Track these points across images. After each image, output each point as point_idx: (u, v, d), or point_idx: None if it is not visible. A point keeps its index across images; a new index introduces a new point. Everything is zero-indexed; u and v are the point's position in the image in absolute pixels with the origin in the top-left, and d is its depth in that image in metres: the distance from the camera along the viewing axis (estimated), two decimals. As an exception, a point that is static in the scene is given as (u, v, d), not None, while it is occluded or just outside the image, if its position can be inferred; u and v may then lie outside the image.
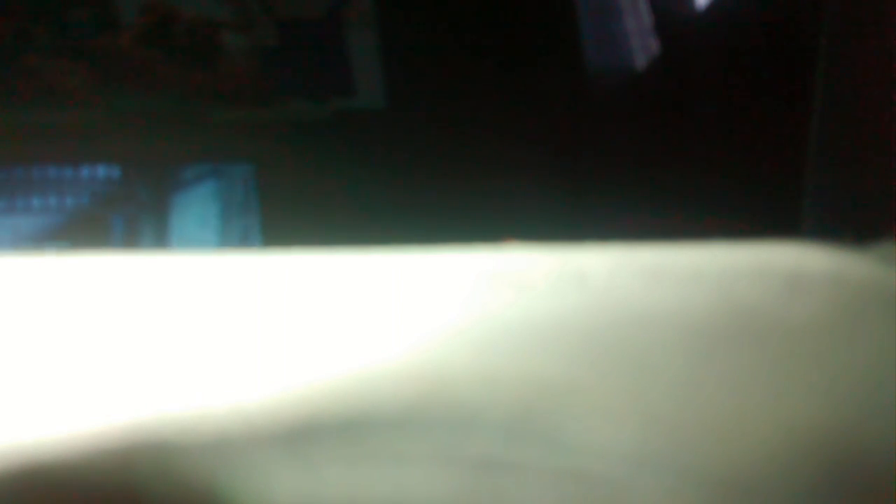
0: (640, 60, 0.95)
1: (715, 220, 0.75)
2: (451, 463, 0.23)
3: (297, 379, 0.24)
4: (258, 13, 0.96)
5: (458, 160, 0.91)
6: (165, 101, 0.93)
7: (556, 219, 0.89)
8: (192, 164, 0.93)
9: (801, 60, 0.71)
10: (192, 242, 0.90)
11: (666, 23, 0.94)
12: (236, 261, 0.27)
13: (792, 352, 0.25)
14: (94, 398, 0.24)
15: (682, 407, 0.24)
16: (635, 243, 0.27)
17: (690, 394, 0.24)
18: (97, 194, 0.91)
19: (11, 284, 0.26)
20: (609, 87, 0.96)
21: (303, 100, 0.96)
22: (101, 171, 0.91)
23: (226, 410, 0.23)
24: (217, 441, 0.23)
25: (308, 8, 0.98)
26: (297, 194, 0.91)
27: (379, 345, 0.25)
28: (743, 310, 0.26)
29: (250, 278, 0.26)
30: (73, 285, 0.26)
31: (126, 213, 0.91)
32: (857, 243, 0.28)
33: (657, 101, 0.93)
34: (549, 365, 0.24)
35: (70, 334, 0.25)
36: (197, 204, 0.92)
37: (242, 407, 0.24)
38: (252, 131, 0.94)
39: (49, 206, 0.90)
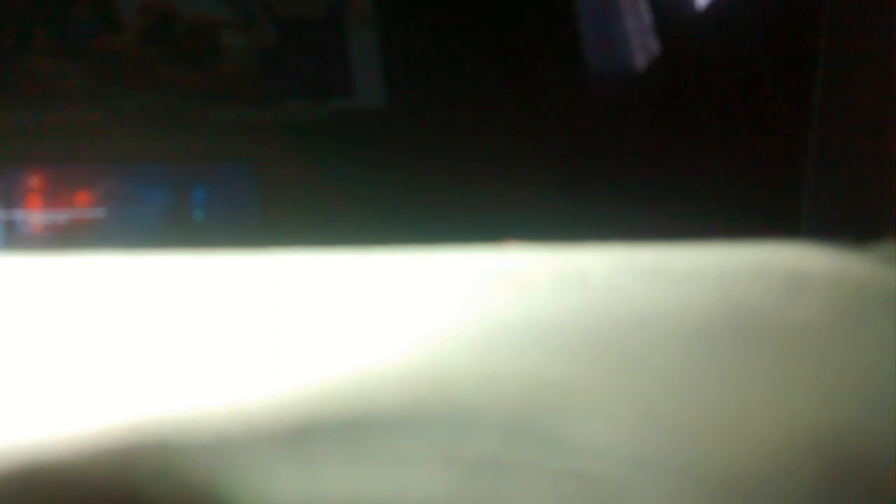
0: (640, 60, 0.95)
1: (715, 220, 0.75)
2: (451, 463, 0.23)
3: (297, 379, 0.24)
4: (258, 13, 0.96)
5: (458, 160, 0.91)
6: (165, 101, 0.93)
7: (556, 219, 0.89)
8: (193, 164, 0.93)
9: (801, 60, 0.71)
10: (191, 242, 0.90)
11: (666, 23, 0.94)
12: (236, 261, 0.27)
13: (792, 352, 0.25)
14: (94, 398, 0.24)
15: (682, 407, 0.24)
16: (635, 243, 0.27)
17: (690, 394, 0.24)
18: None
19: (11, 284, 0.26)
20: (609, 87, 0.96)
21: (303, 100, 0.96)
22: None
23: (226, 410, 0.23)
24: (217, 441, 0.23)
25: (308, 8, 0.98)
26: (297, 194, 0.91)
27: (379, 345, 0.25)
28: (743, 310, 0.26)
29: (250, 278, 0.26)
30: (73, 285, 0.26)
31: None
32: (857, 243, 0.28)
33: (657, 101, 0.93)
34: (549, 365, 0.24)
35: (70, 334, 0.25)
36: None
37: (242, 407, 0.24)
38: (252, 131, 0.94)
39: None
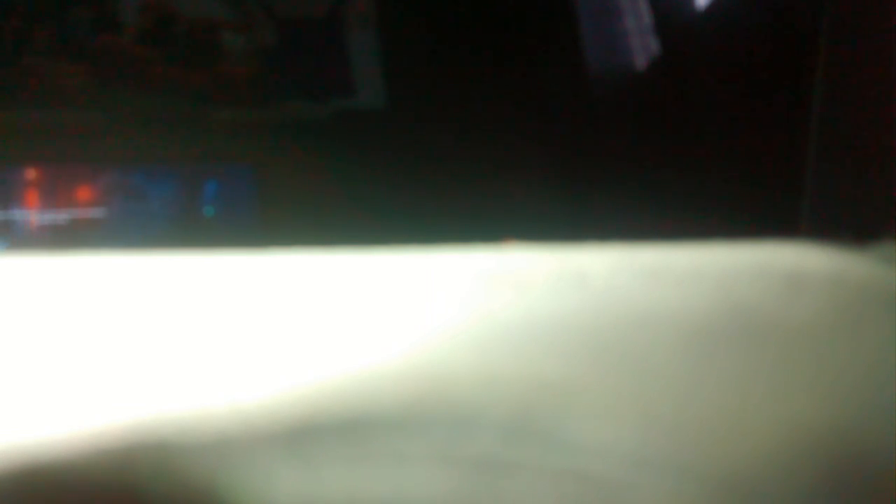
0: (640, 60, 0.95)
1: (715, 220, 0.75)
2: (451, 463, 0.23)
3: (297, 379, 0.24)
4: (258, 13, 0.96)
5: (458, 160, 0.91)
6: (165, 101, 0.93)
7: (556, 219, 0.89)
8: (193, 164, 0.93)
9: (801, 60, 0.71)
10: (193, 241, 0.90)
11: (666, 23, 0.94)
12: (237, 261, 0.27)
13: (792, 352, 0.25)
14: (94, 398, 0.24)
15: (682, 407, 0.24)
16: (635, 243, 0.27)
17: (690, 394, 0.24)
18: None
19: (11, 284, 0.26)
20: (609, 87, 0.96)
21: (303, 100, 0.96)
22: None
23: (226, 410, 0.23)
24: (217, 441, 0.23)
25: (308, 8, 0.98)
26: (297, 194, 0.91)
27: (379, 345, 0.25)
28: (743, 310, 0.26)
29: (250, 278, 0.26)
30: (73, 285, 0.26)
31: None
32: (857, 243, 0.28)
33: (657, 100, 0.93)
34: (549, 365, 0.24)
35: (70, 334, 0.25)
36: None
37: (242, 407, 0.24)
38: (252, 131, 0.94)
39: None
